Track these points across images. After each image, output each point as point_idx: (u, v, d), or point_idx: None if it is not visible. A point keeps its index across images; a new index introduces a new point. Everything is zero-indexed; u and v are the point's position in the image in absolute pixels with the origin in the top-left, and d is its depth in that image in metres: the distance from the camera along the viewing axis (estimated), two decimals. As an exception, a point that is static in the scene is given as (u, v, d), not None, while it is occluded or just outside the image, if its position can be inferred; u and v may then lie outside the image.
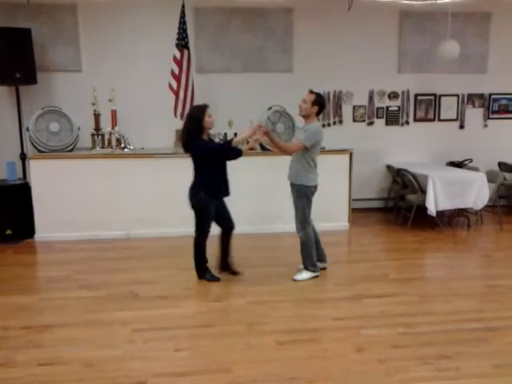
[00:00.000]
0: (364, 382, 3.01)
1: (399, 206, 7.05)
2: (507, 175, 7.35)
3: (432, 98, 7.57)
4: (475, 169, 7.00)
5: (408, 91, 7.49)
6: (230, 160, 4.44)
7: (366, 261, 5.25)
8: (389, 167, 7.40)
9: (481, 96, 7.65)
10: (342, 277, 4.80)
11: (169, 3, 6.37)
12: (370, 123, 7.50)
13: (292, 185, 4.62)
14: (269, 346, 3.41)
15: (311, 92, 4.53)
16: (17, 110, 6.41)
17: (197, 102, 6.34)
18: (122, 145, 6.24)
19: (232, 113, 6.38)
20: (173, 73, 6.23)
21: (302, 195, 4.53)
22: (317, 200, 4.65)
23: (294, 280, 4.63)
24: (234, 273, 4.72)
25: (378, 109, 7.48)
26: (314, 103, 4.45)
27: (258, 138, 4.43)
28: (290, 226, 5.70)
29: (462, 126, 7.69)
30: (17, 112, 6.42)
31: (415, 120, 7.59)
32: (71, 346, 3.41)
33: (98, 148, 6.14)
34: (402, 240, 6.04)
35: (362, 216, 7.03)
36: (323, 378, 3.05)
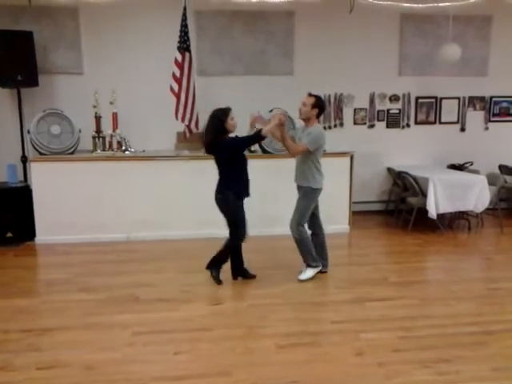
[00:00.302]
0: (364, 385, 3.01)
1: (400, 208, 7.05)
2: (508, 178, 7.35)
3: (433, 100, 7.57)
4: (476, 172, 6.99)
5: (409, 94, 7.49)
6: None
7: (367, 264, 5.24)
8: (389, 170, 7.40)
9: (482, 99, 7.66)
10: (343, 280, 4.79)
11: (170, 6, 6.39)
12: (371, 126, 7.50)
13: (299, 187, 4.65)
14: (269, 350, 3.41)
15: (310, 95, 4.56)
16: (18, 112, 6.43)
17: (198, 105, 6.39)
18: (123, 147, 6.25)
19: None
20: (174, 75, 6.24)
21: (308, 196, 4.57)
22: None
23: (299, 280, 4.65)
24: (252, 276, 4.73)
25: (378, 112, 7.48)
26: (313, 106, 4.48)
27: (282, 119, 4.38)
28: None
29: (462, 129, 7.69)
30: (18, 114, 6.43)
31: (416, 123, 7.59)
32: (71, 349, 3.41)
33: (99, 150, 6.14)
34: (402, 243, 6.04)
35: (363, 219, 7.02)
36: (323, 381, 3.04)
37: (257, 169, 6.09)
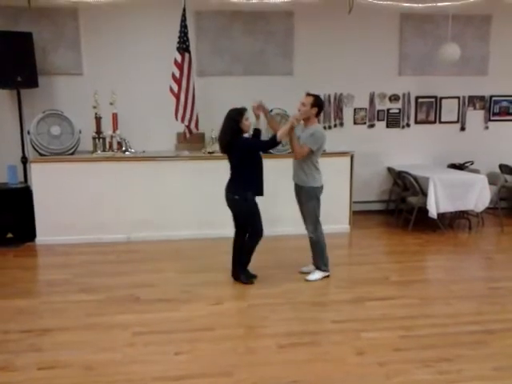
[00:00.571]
0: (364, 385, 3.01)
1: (400, 208, 7.05)
2: (508, 177, 7.34)
3: (433, 100, 7.56)
4: (476, 171, 6.99)
5: (409, 94, 7.49)
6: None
7: (367, 263, 5.24)
8: (390, 169, 7.40)
9: (481, 98, 7.65)
10: (343, 279, 4.79)
11: (170, 7, 6.38)
12: (371, 126, 7.50)
13: (300, 187, 4.65)
14: (269, 350, 3.40)
15: (309, 94, 4.58)
16: (18, 113, 6.42)
17: (197, 106, 6.39)
18: (123, 148, 6.24)
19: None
20: (174, 76, 6.23)
21: (312, 197, 4.59)
22: (318, 202, 4.66)
23: (306, 280, 4.67)
24: (253, 276, 4.72)
25: (378, 111, 7.48)
26: (313, 105, 4.50)
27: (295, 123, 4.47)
28: (291, 228, 5.74)
29: (462, 128, 7.68)
30: (18, 115, 6.43)
31: (416, 122, 7.59)
32: (71, 350, 3.41)
33: (99, 151, 6.14)
34: (402, 242, 6.04)
35: (363, 218, 7.01)
36: (324, 381, 3.04)
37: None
